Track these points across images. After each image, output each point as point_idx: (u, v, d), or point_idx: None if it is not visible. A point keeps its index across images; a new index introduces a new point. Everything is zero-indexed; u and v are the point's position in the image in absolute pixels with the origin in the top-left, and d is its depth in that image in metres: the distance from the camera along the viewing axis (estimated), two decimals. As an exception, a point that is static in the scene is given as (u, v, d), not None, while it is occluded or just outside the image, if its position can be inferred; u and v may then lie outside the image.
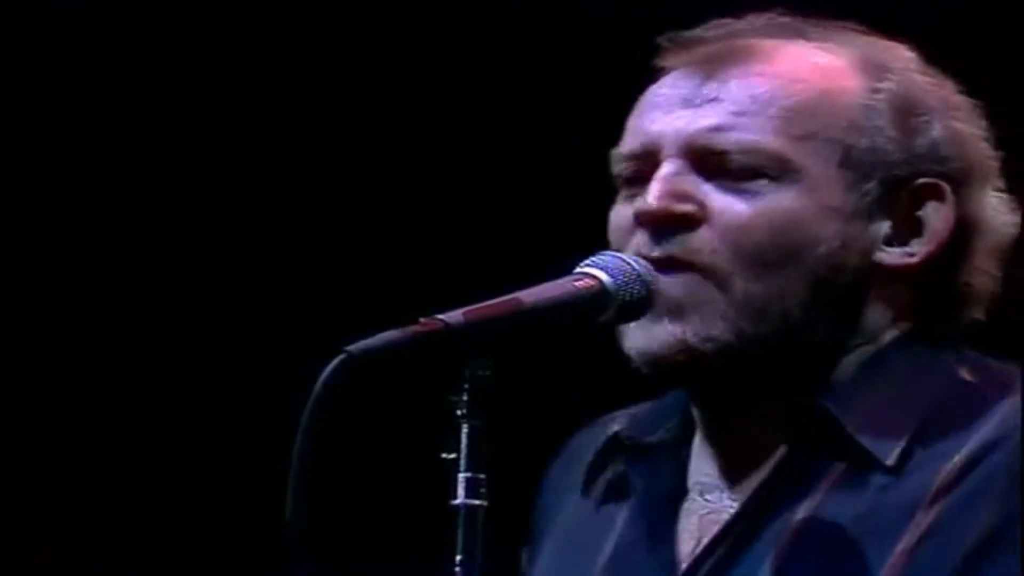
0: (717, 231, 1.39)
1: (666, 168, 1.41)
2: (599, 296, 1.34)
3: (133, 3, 3.40)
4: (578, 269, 1.36)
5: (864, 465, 1.37)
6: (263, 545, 2.92)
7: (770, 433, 1.42)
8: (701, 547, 1.41)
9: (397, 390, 1.30)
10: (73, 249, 3.54)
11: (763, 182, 1.39)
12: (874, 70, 1.44)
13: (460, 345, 1.26)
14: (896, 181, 1.42)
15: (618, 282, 1.35)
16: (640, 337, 1.40)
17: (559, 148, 3.20)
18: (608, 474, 1.52)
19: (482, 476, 1.25)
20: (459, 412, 1.26)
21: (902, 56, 1.47)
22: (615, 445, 1.52)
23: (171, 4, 3.38)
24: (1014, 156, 1.50)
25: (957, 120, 1.44)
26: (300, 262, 3.52)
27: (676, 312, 1.38)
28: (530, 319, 1.31)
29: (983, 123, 1.47)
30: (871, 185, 1.41)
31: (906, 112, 1.43)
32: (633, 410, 1.56)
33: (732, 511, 1.41)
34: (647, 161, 1.43)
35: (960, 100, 1.46)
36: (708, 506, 1.44)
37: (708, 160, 1.41)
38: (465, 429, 1.26)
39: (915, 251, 1.43)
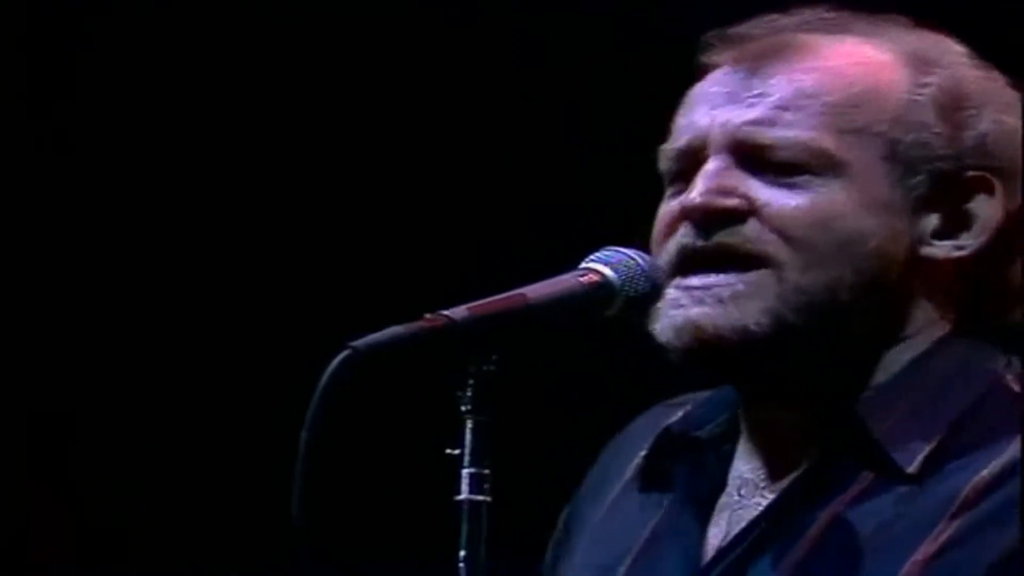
0: (765, 224, 1.39)
1: (712, 163, 1.41)
2: (604, 291, 1.34)
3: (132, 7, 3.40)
4: (583, 265, 1.36)
5: (889, 472, 1.37)
6: (265, 544, 2.92)
7: (810, 432, 1.42)
8: (725, 543, 1.41)
9: (402, 385, 1.30)
10: (74, 249, 3.54)
11: (808, 177, 1.40)
12: (921, 64, 1.44)
13: (464, 341, 1.27)
14: (943, 175, 1.42)
15: (623, 278, 1.35)
16: (669, 325, 1.40)
17: (559, 148, 3.19)
18: (657, 465, 1.52)
19: (486, 472, 1.25)
20: (463, 408, 1.26)
21: (951, 50, 1.46)
22: (667, 438, 1.51)
23: (170, 3, 3.38)
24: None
25: (1006, 113, 1.43)
26: (301, 262, 3.52)
27: (713, 302, 1.38)
28: (535, 315, 1.31)
29: None
30: (918, 179, 1.41)
31: (953, 106, 1.42)
32: (697, 398, 1.56)
33: (760, 508, 1.41)
34: (693, 157, 1.43)
35: (1010, 93, 1.45)
36: (741, 502, 1.44)
37: (753, 155, 1.41)
38: (469, 425, 1.26)
39: (964, 244, 1.43)
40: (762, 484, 1.43)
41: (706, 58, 1.48)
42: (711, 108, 1.43)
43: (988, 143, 1.41)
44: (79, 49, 3.46)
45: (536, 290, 1.32)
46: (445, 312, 1.27)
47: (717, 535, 1.43)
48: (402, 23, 3.35)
